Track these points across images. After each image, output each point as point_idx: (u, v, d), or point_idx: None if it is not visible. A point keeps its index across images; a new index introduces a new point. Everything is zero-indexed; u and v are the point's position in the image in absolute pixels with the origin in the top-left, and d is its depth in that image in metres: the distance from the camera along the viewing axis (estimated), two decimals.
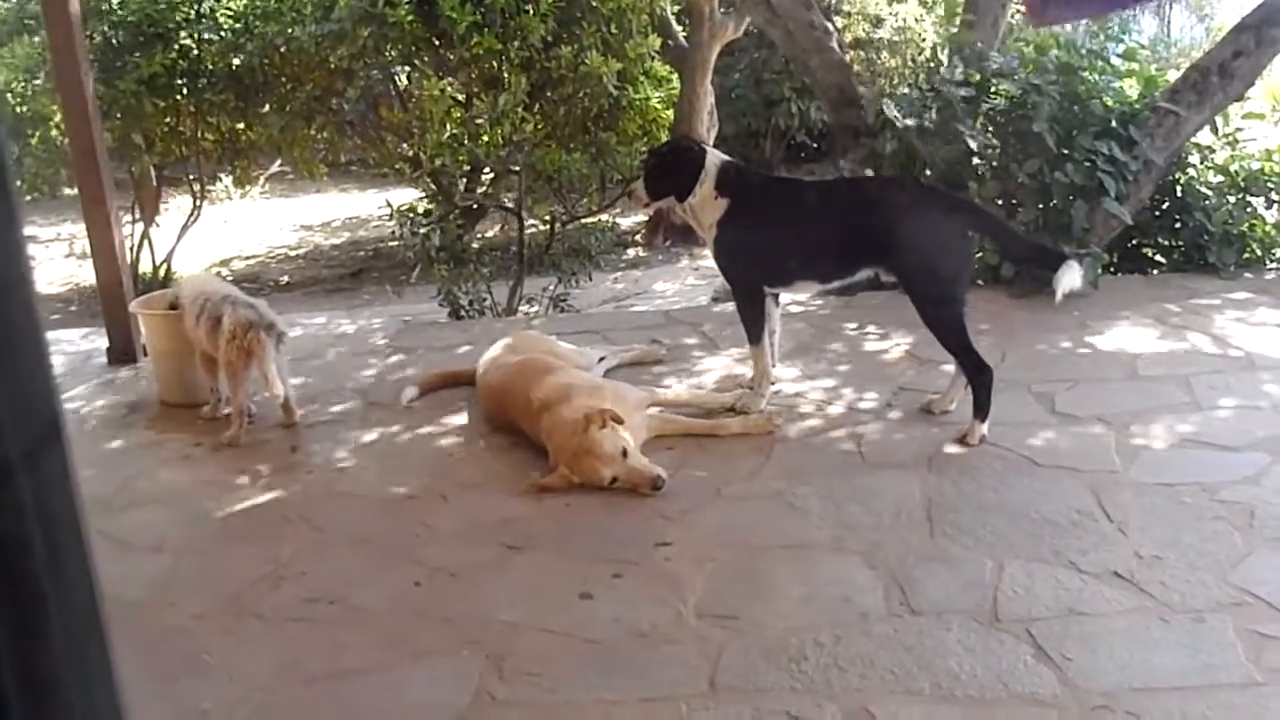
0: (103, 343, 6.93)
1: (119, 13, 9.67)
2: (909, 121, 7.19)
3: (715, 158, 5.30)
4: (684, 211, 5.45)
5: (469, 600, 3.86)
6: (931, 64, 8.08)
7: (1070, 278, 4.81)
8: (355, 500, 4.75)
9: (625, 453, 4.56)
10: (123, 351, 6.85)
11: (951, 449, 4.87)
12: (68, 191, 10.77)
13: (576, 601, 3.80)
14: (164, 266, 11.17)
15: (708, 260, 9.74)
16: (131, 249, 10.05)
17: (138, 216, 10.97)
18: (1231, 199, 7.61)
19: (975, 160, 7.30)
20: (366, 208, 16.29)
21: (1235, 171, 7.73)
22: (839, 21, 15.66)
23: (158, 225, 11.30)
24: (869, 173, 7.61)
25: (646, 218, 13.41)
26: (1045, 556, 3.90)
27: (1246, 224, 7.51)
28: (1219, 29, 19.22)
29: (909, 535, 4.13)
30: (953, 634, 3.45)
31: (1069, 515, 4.20)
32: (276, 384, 5.36)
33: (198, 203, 11.46)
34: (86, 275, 7.69)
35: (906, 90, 8.05)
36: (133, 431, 5.70)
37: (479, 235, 11.20)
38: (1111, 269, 7.50)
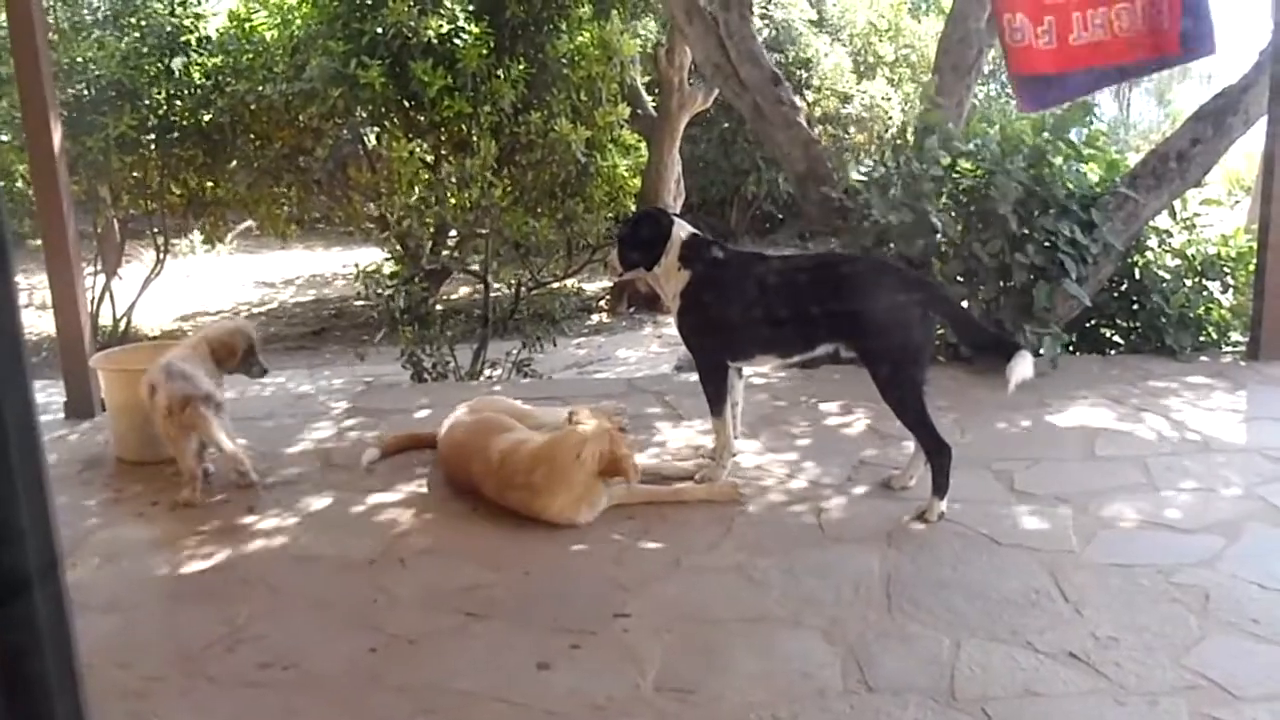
0: (60, 396, 6.86)
1: (90, 70, 9.65)
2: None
3: (681, 229, 5.33)
4: (651, 280, 5.49)
5: (426, 668, 3.83)
6: (898, 141, 8.18)
7: (1023, 368, 4.84)
8: (313, 563, 4.70)
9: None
10: (80, 406, 6.78)
11: (910, 525, 4.89)
12: (30, 242, 10.70)
13: (534, 672, 3.77)
14: (124, 320, 11.10)
15: (671, 328, 9.77)
16: (92, 301, 9.99)
17: (99, 268, 10.91)
18: (1188, 283, 7.72)
19: (938, 238, 7.40)
20: (331, 266, 16.31)
21: (1192, 256, 7.85)
22: (809, 96, 15.89)
23: (120, 278, 11.24)
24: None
25: (612, 284, 13.48)
26: (1002, 635, 3.91)
27: (1203, 307, 7.62)
28: (1177, 114, 19.61)
29: (867, 611, 4.14)
30: (909, 713, 3.45)
31: (1026, 594, 4.22)
32: (231, 450, 5.32)
33: (161, 256, 11.41)
34: (46, 325, 7.64)
35: (872, 165, 8.11)
36: (88, 488, 5.63)
37: (444, 298, 11.21)
38: (1070, 349, 7.59)
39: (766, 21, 16.79)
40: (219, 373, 5.78)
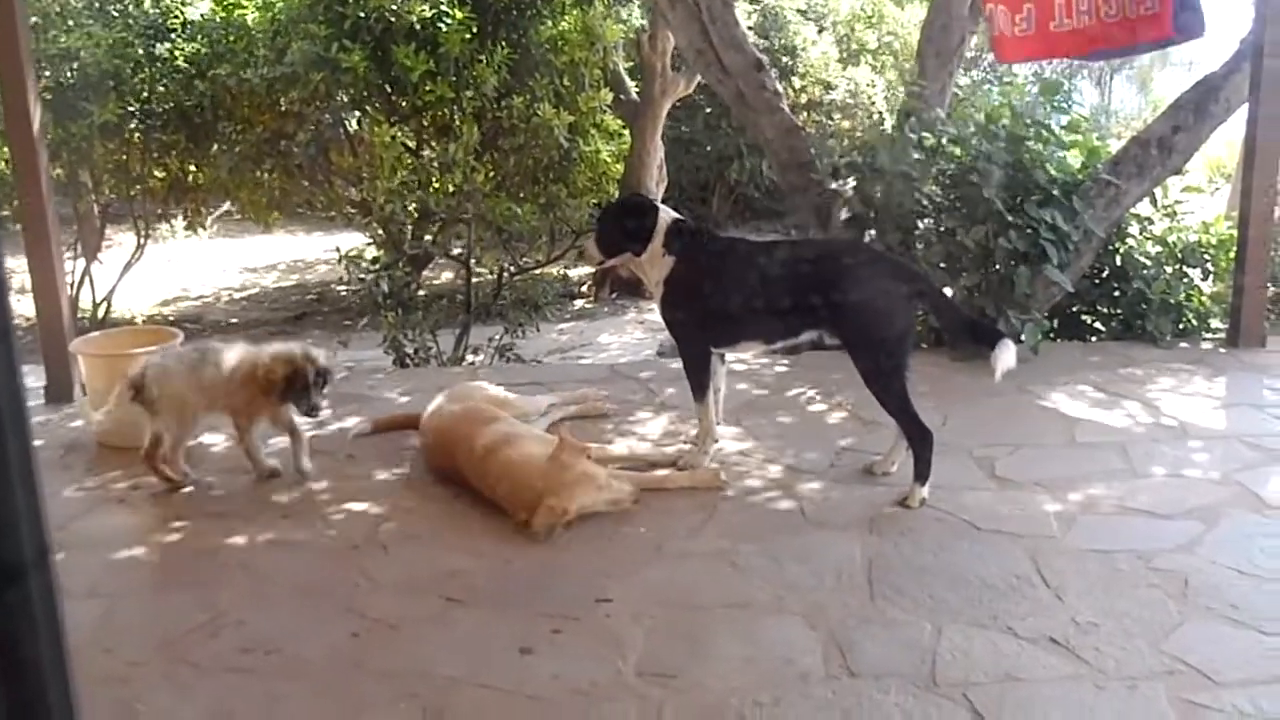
0: (40, 380, 6.82)
1: (80, 57, 9.59)
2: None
3: (666, 215, 5.33)
4: (635, 266, 5.47)
5: (408, 653, 3.84)
6: (882, 128, 8.17)
7: (1007, 357, 4.88)
8: (294, 549, 4.70)
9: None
10: (60, 390, 6.75)
11: (892, 511, 4.91)
12: (11, 226, 10.62)
13: (516, 657, 3.78)
14: (104, 304, 11.04)
15: (653, 314, 9.78)
16: (72, 286, 9.94)
17: (79, 252, 10.84)
18: (1169, 269, 7.75)
19: (922, 223, 7.41)
20: (313, 251, 16.24)
21: (1173, 243, 7.87)
22: (796, 83, 15.88)
23: (100, 262, 11.18)
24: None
25: (594, 270, 13.47)
26: (983, 621, 3.94)
27: (1183, 294, 7.64)
28: (1158, 101, 19.67)
29: (849, 597, 4.16)
30: (891, 697, 3.47)
31: (1007, 580, 4.24)
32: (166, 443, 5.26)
33: (142, 241, 11.36)
34: (25, 309, 7.61)
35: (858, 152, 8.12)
36: (69, 473, 5.60)
37: (426, 283, 11.19)
38: (1051, 335, 7.61)
39: (756, 6, 16.77)
40: (262, 399, 5.26)
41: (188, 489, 5.34)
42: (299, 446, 5.43)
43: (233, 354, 5.32)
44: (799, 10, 17.44)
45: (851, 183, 7.67)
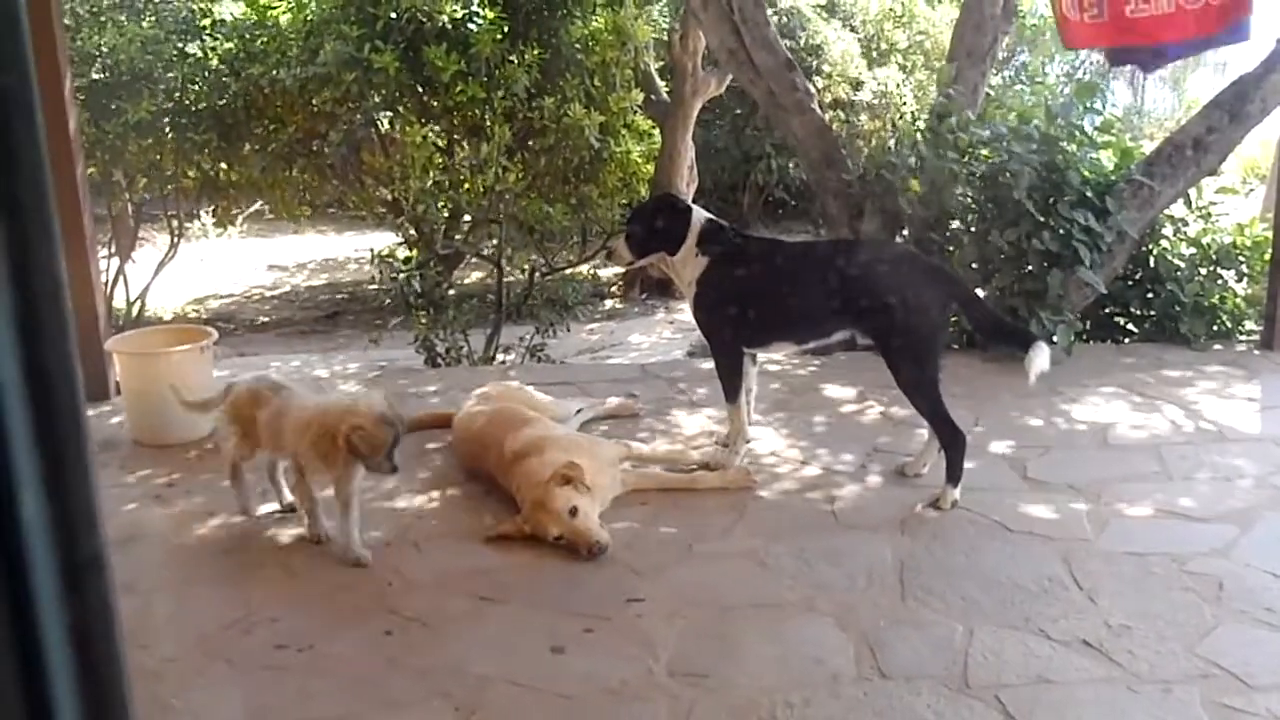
0: None
1: (112, 56, 9.66)
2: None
3: (699, 215, 5.33)
4: (666, 266, 5.48)
5: (440, 651, 3.86)
6: (918, 134, 8.09)
7: (1041, 360, 4.86)
8: (327, 547, 4.72)
9: (574, 511, 4.54)
10: (96, 388, 6.80)
11: (924, 512, 4.90)
12: None
13: (548, 655, 3.80)
14: (138, 303, 11.11)
15: (683, 314, 9.78)
16: (106, 284, 10.00)
17: (112, 252, 10.91)
18: (1203, 271, 7.69)
19: (954, 224, 7.39)
20: (343, 250, 16.29)
21: (1207, 244, 7.81)
22: (819, 82, 15.82)
23: (133, 261, 11.25)
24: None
25: (624, 270, 13.46)
26: (1015, 623, 3.93)
27: (1217, 296, 7.59)
28: (1192, 102, 19.51)
29: (880, 598, 4.15)
30: (922, 699, 3.47)
31: (1039, 582, 4.23)
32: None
33: (175, 240, 11.42)
34: None
35: (892, 146, 8.11)
36: (105, 471, 5.63)
37: (457, 282, 11.22)
38: (1084, 337, 7.57)
39: (773, 9, 16.71)
40: (348, 460, 4.53)
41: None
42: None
43: (309, 407, 4.76)
44: (822, 7, 17.37)
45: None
